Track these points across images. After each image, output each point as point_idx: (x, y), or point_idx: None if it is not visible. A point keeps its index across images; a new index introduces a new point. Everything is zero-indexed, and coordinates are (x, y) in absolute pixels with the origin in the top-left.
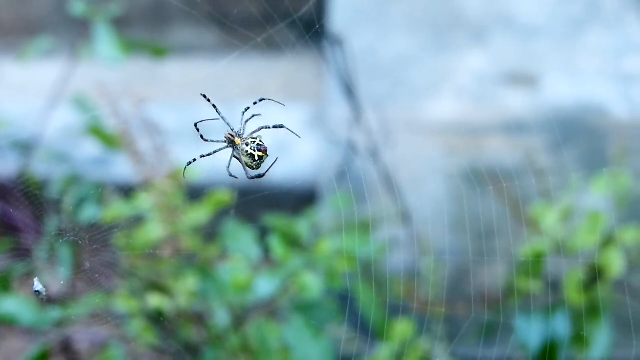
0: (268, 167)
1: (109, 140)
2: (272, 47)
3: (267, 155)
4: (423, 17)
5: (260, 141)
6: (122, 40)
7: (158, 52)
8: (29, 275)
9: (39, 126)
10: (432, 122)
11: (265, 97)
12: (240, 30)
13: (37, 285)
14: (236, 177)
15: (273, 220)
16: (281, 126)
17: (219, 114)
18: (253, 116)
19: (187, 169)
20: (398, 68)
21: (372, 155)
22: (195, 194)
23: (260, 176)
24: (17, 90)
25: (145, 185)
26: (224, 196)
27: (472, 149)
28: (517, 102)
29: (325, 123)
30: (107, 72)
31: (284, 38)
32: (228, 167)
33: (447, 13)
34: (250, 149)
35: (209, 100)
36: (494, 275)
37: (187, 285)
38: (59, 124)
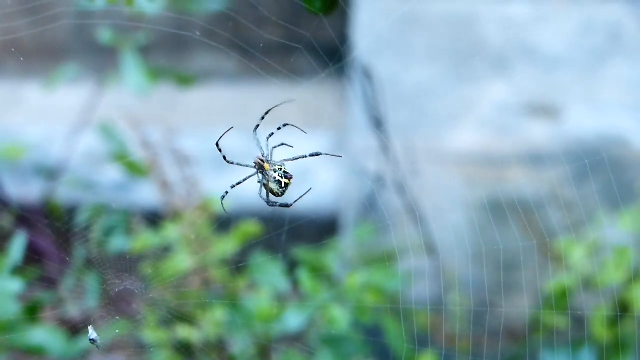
0: (297, 199)
1: (135, 168)
2: (293, 73)
3: (291, 183)
4: (445, 47)
5: (286, 169)
6: (149, 68)
7: (184, 80)
8: (56, 305)
9: (64, 152)
10: (454, 152)
11: (288, 123)
12: (261, 57)
13: (92, 334)
14: (275, 204)
15: (301, 253)
16: (318, 154)
17: (258, 141)
18: (282, 144)
19: (216, 199)
20: (419, 97)
21: (397, 186)
22: (222, 224)
23: (287, 206)
24: (37, 114)
25: (174, 215)
26: (252, 228)
27: (493, 180)
28: (538, 133)
29: (348, 152)
30: (128, 97)
31: (305, 65)
32: (260, 193)
33: (469, 43)
34: (278, 175)
35: (255, 130)
36: (518, 308)
37: (215, 317)
38: (81, 149)
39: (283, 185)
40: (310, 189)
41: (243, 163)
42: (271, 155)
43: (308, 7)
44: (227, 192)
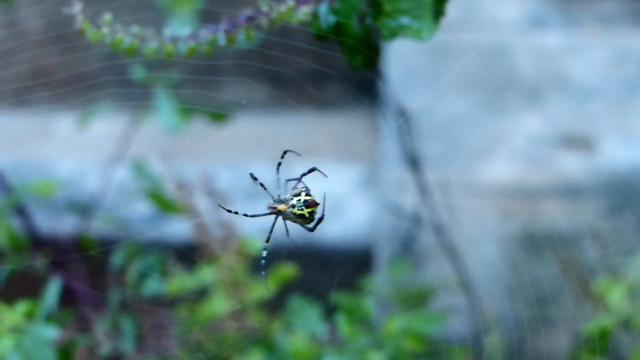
0: (322, 209)
1: (168, 206)
2: (324, 104)
3: (318, 204)
4: (477, 78)
5: (306, 195)
6: (181, 106)
7: (217, 117)
8: (90, 347)
9: (97, 187)
10: (487, 184)
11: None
12: (292, 87)
13: None
14: (294, 244)
15: (339, 297)
16: (313, 169)
17: (263, 186)
18: (293, 180)
19: (252, 241)
20: (452, 129)
21: (432, 221)
22: (259, 265)
23: (321, 219)
24: (68, 147)
25: (209, 258)
26: (289, 271)
27: (528, 213)
28: (572, 165)
29: (379, 185)
30: (160, 129)
31: (337, 96)
32: (287, 234)
33: (502, 74)
34: (298, 209)
35: (255, 179)
36: (554, 345)
37: None
38: (113, 182)
39: (307, 215)
40: (325, 194)
41: (261, 213)
42: (285, 192)
43: (349, 62)
44: (264, 262)
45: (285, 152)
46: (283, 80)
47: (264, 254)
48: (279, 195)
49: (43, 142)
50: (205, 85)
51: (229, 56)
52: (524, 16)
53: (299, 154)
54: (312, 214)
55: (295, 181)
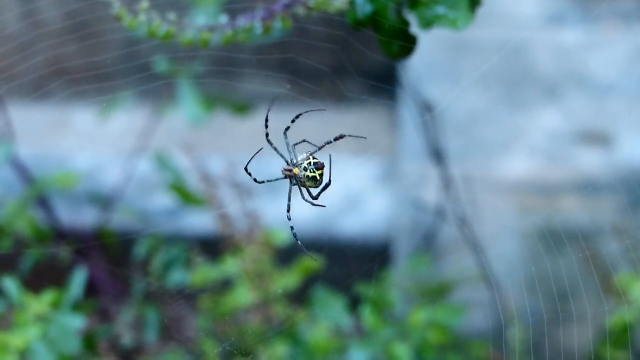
0: (329, 174)
1: (190, 198)
2: (342, 98)
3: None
4: (496, 74)
5: (313, 158)
6: (204, 98)
7: (239, 109)
8: (113, 337)
9: (118, 180)
10: (506, 180)
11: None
12: (310, 82)
13: None
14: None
15: (363, 288)
16: (342, 136)
17: (276, 150)
18: (304, 141)
19: (276, 232)
20: (471, 125)
21: (453, 215)
22: (283, 256)
23: (327, 186)
24: (86, 139)
25: (233, 248)
26: (314, 262)
27: (546, 208)
28: (591, 161)
29: (398, 179)
30: (179, 121)
31: (354, 90)
32: (303, 196)
33: (520, 70)
34: (310, 171)
35: (271, 144)
36: (576, 339)
37: (275, 352)
38: (134, 174)
39: (318, 177)
40: (330, 157)
41: (273, 179)
42: (295, 156)
43: (385, 51)
44: (295, 236)
45: (298, 116)
46: (302, 75)
47: (291, 223)
48: (291, 160)
49: (61, 135)
50: (226, 77)
51: (248, 50)
52: (542, 12)
53: (335, 142)
54: (321, 176)
55: (306, 150)
